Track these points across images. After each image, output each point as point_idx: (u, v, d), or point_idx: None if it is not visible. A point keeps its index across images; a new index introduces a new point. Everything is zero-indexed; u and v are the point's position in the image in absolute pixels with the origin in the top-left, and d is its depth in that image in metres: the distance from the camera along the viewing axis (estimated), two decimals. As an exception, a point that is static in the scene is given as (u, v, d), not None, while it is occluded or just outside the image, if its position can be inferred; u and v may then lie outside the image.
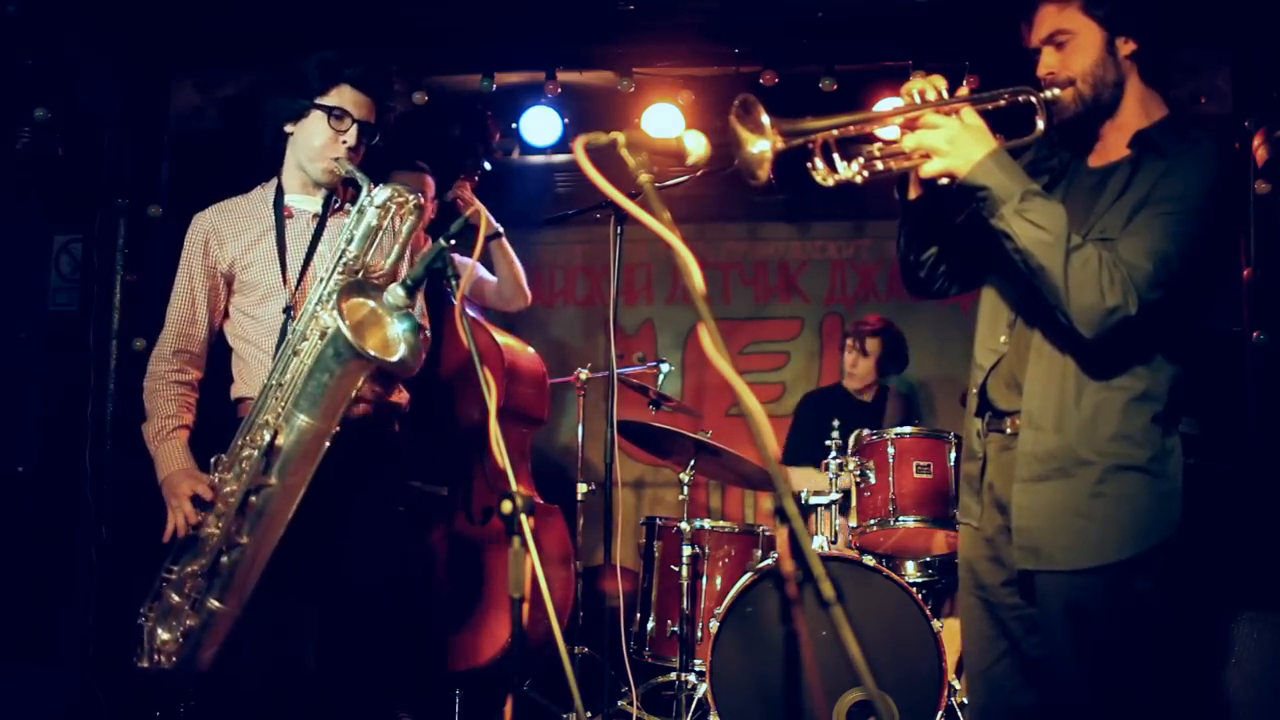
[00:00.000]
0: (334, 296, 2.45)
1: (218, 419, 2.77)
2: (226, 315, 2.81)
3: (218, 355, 2.85)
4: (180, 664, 2.53)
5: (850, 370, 4.90)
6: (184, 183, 4.44)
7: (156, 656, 2.53)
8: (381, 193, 2.59)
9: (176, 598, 2.53)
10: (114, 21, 4.14)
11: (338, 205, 2.81)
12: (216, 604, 2.50)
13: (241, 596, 2.51)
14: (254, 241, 2.75)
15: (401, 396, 2.85)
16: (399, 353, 2.47)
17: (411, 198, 2.60)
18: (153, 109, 4.41)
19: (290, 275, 2.71)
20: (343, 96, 2.70)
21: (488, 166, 4.08)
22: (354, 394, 2.53)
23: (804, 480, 4.55)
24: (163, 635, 2.53)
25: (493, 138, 3.95)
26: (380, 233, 2.61)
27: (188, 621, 2.51)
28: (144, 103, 4.37)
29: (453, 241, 2.24)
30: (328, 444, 2.52)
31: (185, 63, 4.44)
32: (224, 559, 2.50)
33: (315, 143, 2.71)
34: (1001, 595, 2.19)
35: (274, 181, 2.83)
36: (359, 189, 2.63)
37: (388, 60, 2.81)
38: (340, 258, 2.58)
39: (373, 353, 2.42)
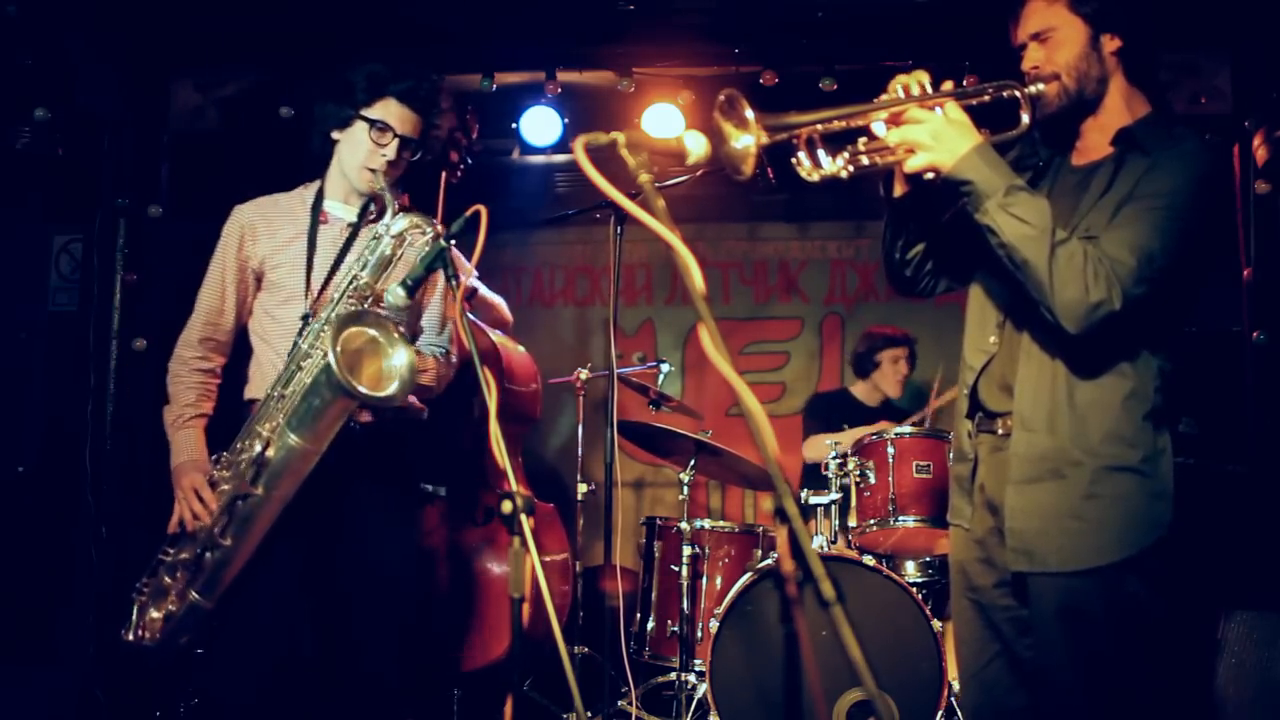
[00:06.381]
0: (332, 327, 2.45)
1: (235, 417, 2.79)
2: (251, 312, 2.83)
3: (242, 353, 2.87)
4: (160, 644, 2.61)
5: (898, 381, 4.88)
6: (184, 183, 4.44)
7: (141, 632, 2.61)
8: (399, 223, 2.58)
9: (169, 580, 2.61)
10: (114, 21, 4.14)
11: (373, 216, 2.81)
12: (197, 597, 2.57)
13: (219, 591, 2.58)
14: (287, 242, 2.76)
15: (419, 405, 2.87)
16: (389, 388, 2.48)
17: (430, 230, 2.59)
18: (153, 109, 4.41)
19: (314, 282, 2.72)
20: (388, 110, 2.71)
21: (470, 162, 4.05)
22: (344, 419, 2.55)
23: (817, 446, 4.54)
24: (153, 614, 2.61)
25: (472, 132, 3.90)
26: (393, 262, 2.61)
27: (169, 606, 2.59)
28: (144, 103, 4.37)
29: (453, 242, 2.23)
30: (316, 461, 2.55)
31: (185, 63, 4.44)
32: (208, 555, 2.56)
33: (357, 153, 2.72)
34: (994, 597, 2.19)
35: (317, 184, 2.84)
36: (385, 207, 2.64)
37: (436, 76, 2.80)
38: (352, 283, 2.59)
39: (362, 389, 2.43)
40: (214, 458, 2.65)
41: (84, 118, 4.29)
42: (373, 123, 2.71)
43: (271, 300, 2.77)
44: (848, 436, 4.37)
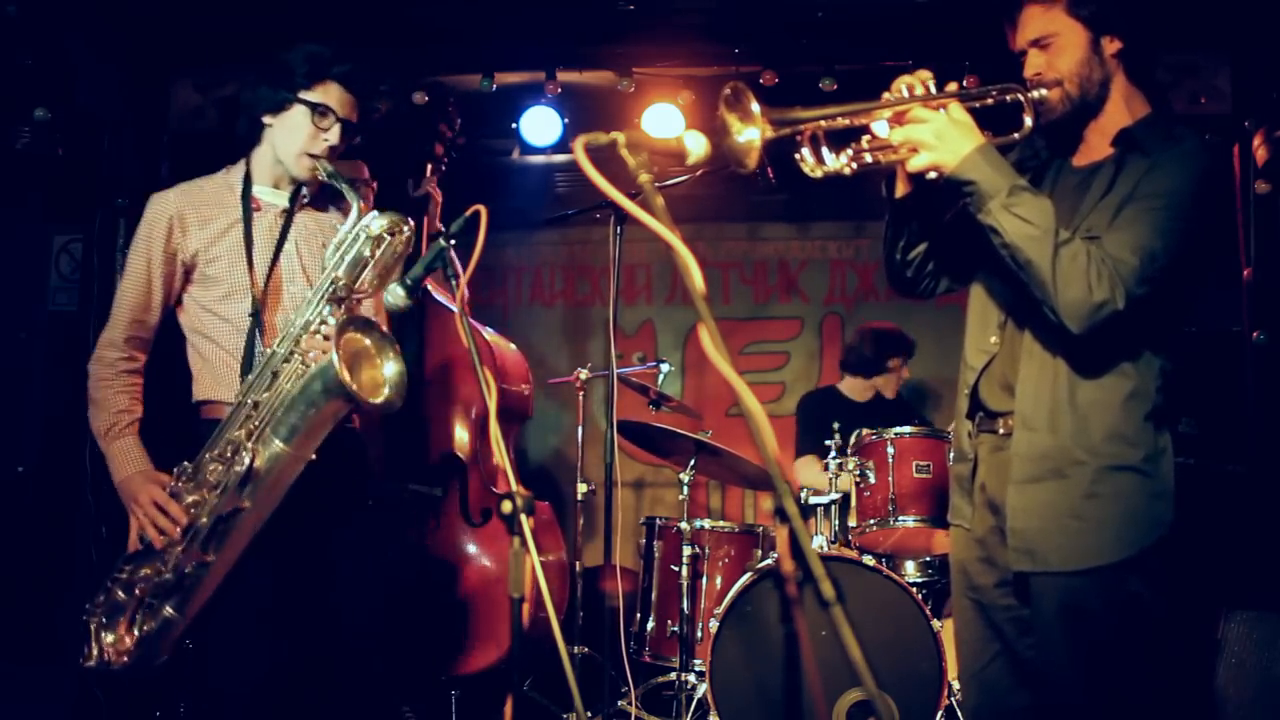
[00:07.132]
0: (333, 330, 2.41)
1: (173, 417, 2.70)
2: (179, 304, 2.68)
3: (167, 349, 2.73)
4: (132, 666, 2.48)
5: (899, 384, 4.87)
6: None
7: (106, 656, 2.48)
8: (378, 223, 2.52)
9: (123, 596, 2.49)
10: (114, 21, 4.15)
11: (305, 200, 2.73)
12: (172, 612, 2.46)
13: (196, 607, 2.48)
14: (220, 234, 2.63)
15: None
16: (383, 395, 2.47)
17: (408, 229, 2.55)
18: (153, 109, 4.41)
19: (258, 275, 2.62)
20: (328, 93, 2.61)
21: (455, 155, 4.02)
22: (335, 424, 2.50)
23: (808, 472, 4.54)
24: (108, 636, 2.49)
25: (455, 123, 3.88)
26: (370, 264, 2.55)
27: (146, 626, 2.47)
28: (144, 103, 4.38)
29: (453, 241, 2.23)
30: (303, 468, 2.48)
31: (185, 63, 4.44)
32: (188, 571, 2.46)
33: (296, 138, 2.62)
34: (994, 596, 2.19)
35: (241, 167, 2.72)
36: (341, 196, 2.59)
37: (377, 58, 2.74)
38: (330, 285, 2.52)
39: (364, 396, 2.41)
40: (175, 470, 2.52)
41: (84, 118, 4.29)
42: (314, 106, 2.60)
43: (209, 295, 2.63)
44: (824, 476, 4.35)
